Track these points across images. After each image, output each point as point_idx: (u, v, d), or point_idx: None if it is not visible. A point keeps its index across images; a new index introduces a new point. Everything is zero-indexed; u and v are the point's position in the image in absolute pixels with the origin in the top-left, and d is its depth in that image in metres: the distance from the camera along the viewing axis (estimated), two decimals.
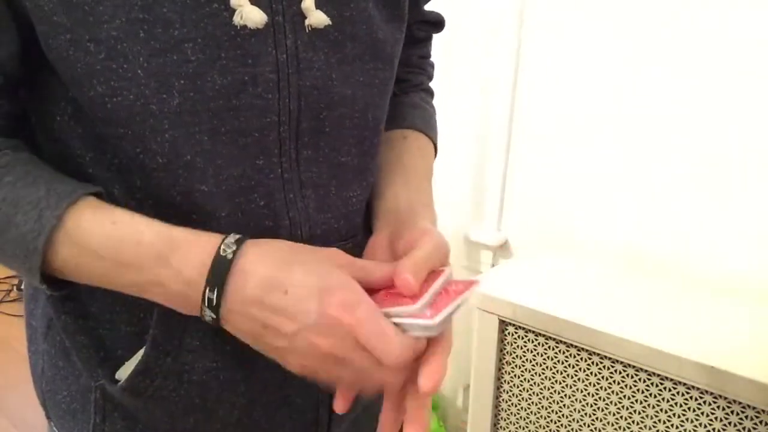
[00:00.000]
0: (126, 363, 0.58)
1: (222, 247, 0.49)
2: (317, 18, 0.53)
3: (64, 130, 0.53)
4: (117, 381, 0.58)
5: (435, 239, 0.55)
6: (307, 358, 0.48)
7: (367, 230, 0.65)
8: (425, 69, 0.79)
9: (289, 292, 0.47)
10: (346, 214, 0.60)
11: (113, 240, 0.49)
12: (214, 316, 0.49)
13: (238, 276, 0.48)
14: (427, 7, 0.75)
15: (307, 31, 0.53)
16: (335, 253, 0.52)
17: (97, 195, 0.52)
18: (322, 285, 0.47)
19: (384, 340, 0.47)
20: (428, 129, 0.73)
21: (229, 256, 0.48)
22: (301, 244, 0.53)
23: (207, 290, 0.48)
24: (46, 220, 0.48)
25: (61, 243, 0.49)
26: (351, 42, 0.56)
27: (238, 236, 0.50)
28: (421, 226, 0.59)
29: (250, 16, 0.50)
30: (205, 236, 0.50)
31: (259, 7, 0.50)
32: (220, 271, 0.48)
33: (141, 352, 0.57)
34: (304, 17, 0.52)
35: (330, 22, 0.54)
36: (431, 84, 0.81)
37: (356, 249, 0.61)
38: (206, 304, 0.48)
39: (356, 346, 0.47)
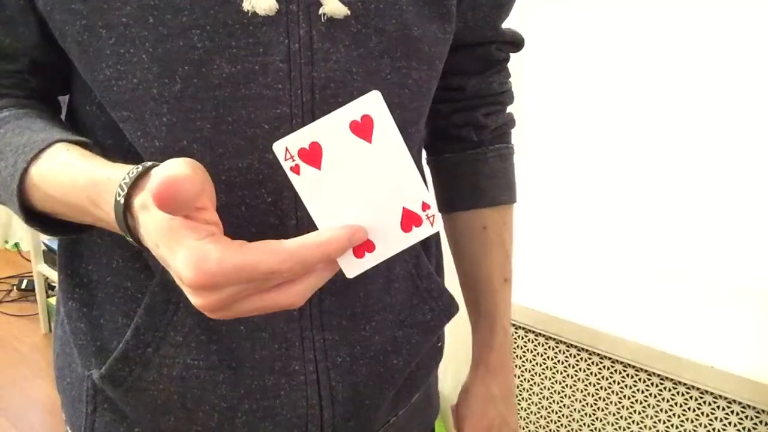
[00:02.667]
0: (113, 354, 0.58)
1: (117, 191, 0.45)
2: (333, 7, 0.50)
3: (91, 118, 0.55)
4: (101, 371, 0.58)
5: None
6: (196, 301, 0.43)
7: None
8: (504, 102, 0.76)
9: (159, 247, 0.43)
10: None
11: (60, 185, 0.49)
12: (137, 245, 0.46)
13: (130, 220, 0.45)
14: (504, 25, 0.70)
15: (322, 20, 0.51)
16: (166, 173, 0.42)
17: (82, 144, 0.51)
18: (160, 233, 0.42)
19: (247, 269, 0.40)
20: (508, 194, 0.75)
21: (121, 201, 0.44)
22: None
23: (125, 233, 0.46)
24: (19, 165, 0.50)
25: (31, 187, 0.50)
26: (377, 36, 0.52)
27: (135, 172, 0.44)
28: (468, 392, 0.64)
29: (260, 2, 0.49)
30: (117, 176, 0.46)
31: None
32: (120, 216, 0.45)
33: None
34: (320, 6, 0.50)
35: (348, 12, 0.51)
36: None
37: None
38: (132, 242, 0.46)
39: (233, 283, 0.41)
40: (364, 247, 0.43)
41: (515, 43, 0.73)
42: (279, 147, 0.42)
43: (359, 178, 0.42)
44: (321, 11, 0.50)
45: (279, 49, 0.50)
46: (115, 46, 0.49)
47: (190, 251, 0.41)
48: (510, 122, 0.77)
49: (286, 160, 0.41)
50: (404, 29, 0.54)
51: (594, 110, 1.48)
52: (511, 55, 0.79)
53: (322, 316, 0.57)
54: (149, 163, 0.45)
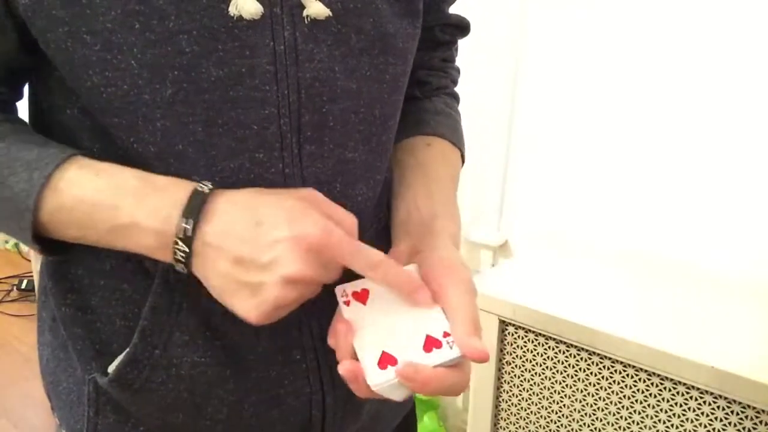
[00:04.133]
0: (119, 357, 0.58)
1: (200, 185, 0.50)
2: (316, 9, 0.52)
3: (74, 122, 0.55)
4: (108, 375, 0.58)
5: (462, 285, 0.55)
6: (278, 288, 0.48)
7: (377, 233, 0.64)
8: (448, 72, 0.77)
9: (262, 222, 0.48)
10: (349, 212, 0.59)
11: (94, 184, 0.50)
12: (187, 250, 0.49)
13: (214, 206, 0.49)
14: (451, 10, 0.73)
15: (306, 22, 0.52)
16: (313, 197, 0.52)
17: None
18: (291, 215, 0.49)
19: (360, 254, 0.50)
20: (453, 136, 0.71)
21: (206, 191, 0.49)
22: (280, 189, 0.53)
23: (182, 221, 0.48)
24: (36, 180, 0.50)
25: (49, 198, 0.51)
26: (356, 35, 0.55)
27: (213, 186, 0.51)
28: (445, 257, 0.57)
29: (245, 6, 0.49)
30: (185, 181, 0.51)
31: None
32: (196, 203, 0.49)
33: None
34: (303, 8, 0.52)
35: (330, 13, 0.53)
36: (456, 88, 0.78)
37: None
38: (181, 236, 0.48)
39: (325, 263, 0.49)
40: (387, 360, 0.51)
41: (461, 27, 0.74)
42: (339, 289, 0.54)
43: (393, 312, 0.53)
44: (305, 13, 0.52)
45: (265, 52, 0.51)
46: (102, 53, 0.49)
47: (321, 216, 0.49)
48: (454, 91, 0.77)
49: (341, 296, 0.54)
50: (380, 27, 0.56)
51: (592, 110, 1.48)
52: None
53: (319, 302, 0.58)
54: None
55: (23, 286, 2.90)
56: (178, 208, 0.49)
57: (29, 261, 2.86)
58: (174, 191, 0.50)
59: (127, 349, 0.57)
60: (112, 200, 0.50)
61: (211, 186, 0.50)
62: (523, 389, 1.32)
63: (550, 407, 1.29)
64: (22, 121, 0.57)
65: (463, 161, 0.72)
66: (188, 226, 0.48)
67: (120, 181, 0.50)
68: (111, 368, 0.58)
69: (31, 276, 2.75)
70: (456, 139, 0.71)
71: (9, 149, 0.52)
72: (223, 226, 0.48)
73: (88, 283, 0.59)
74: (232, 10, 0.49)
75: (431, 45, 0.73)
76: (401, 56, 0.59)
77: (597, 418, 1.23)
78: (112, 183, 0.50)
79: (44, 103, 0.57)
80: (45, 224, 0.52)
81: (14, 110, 0.59)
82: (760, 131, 1.28)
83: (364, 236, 0.61)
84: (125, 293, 0.57)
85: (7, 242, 3.32)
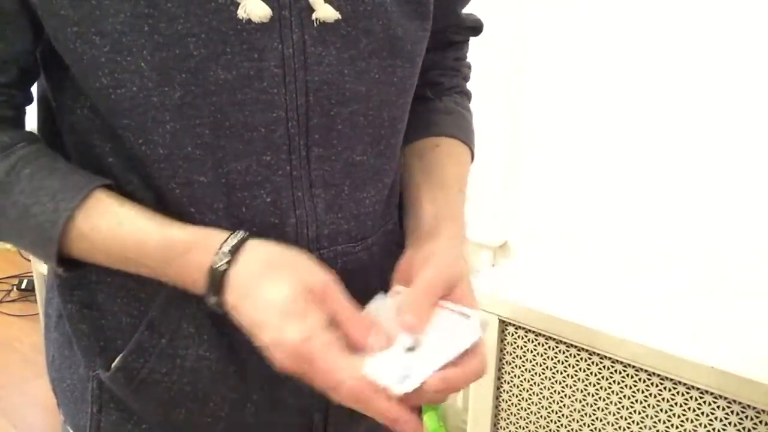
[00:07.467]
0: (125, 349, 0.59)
1: (216, 258, 0.51)
2: (325, 12, 0.52)
3: (84, 122, 0.55)
4: (112, 367, 0.59)
5: (437, 263, 0.55)
6: (278, 363, 0.50)
7: (385, 235, 0.64)
8: (460, 70, 0.77)
9: (257, 308, 0.50)
10: (357, 215, 0.59)
11: (119, 240, 0.53)
12: (222, 312, 0.53)
13: (228, 287, 0.51)
14: (465, 11, 0.73)
15: (315, 25, 0.52)
16: (317, 282, 0.51)
17: (109, 186, 0.54)
18: (283, 308, 0.49)
19: (331, 378, 0.48)
20: (463, 134, 0.71)
21: (222, 268, 0.51)
22: (293, 255, 0.53)
23: (208, 296, 0.52)
24: (62, 212, 0.51)
25: (75, 237, 0.52)
26: (365, 37, 0.54)
27: (233, 242, 0.51)
28: (430, 248, 0.58)
29: (254, 9, 0.50)
30: (203, 240, 0.52)
31: (265, 0, 0.50)
32: (214, 283, 0.51)
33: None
34: (312, 11, 0.52)
35: (339, 16, 0.53)
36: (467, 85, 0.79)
37: (365, 252, 0.61)
38: (211, 303, 0.52)
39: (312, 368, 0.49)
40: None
41: (474, 28, 0.75)
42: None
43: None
44: (314, 16, 0.52)
45: (273, 55, 0.51)
46: (111, 54, 0.49)
47: (313, 317, 0.49)
48: (466, 89, 0.78)
49: None
50: (389, 29, 0.56)
51: (592, 110, 1.48)
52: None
53: None
54: (243, 233, 0.52)
55: (23, 286, 2.90)
56: (203, 282, 0.52)
57: (29, 261, 2.86)
58: (195, 260, 0.51)
59: (135, 336, 0.57)
60: (140, 258, 0.53)
61: (229, 254, 0.51)
62: (523, 389, 1.32)
63: (550, 407, 1.29)
64: (36, 138, 0.57)
65: (473, 157, 0.73)
66: (214, 300, 0.52)
67: (142, 240, 0.52)
68: (117, 359, 0.58)
69: (31, 276, 2.75)
70: (465, 137, 0.72)
71: (33, 176, 0.53)
72: (233, 301, 0.51)
73: (95, 280, 0.59)
74: (241, 13, 0.49)
75: (443, 45, 0.72)
76: (410, 59, 0.59)
77: (597, 418, 1.23)
78: (135, 241, 0.52)
79: (54, 103, 0.57)
80: (69, 251, 0.54)
81: (24, 115, 0.59)
82: (759, 133, 1.28)
83: (371, 238, 0.61)
84: (132, 291, 0.58)
85: None
